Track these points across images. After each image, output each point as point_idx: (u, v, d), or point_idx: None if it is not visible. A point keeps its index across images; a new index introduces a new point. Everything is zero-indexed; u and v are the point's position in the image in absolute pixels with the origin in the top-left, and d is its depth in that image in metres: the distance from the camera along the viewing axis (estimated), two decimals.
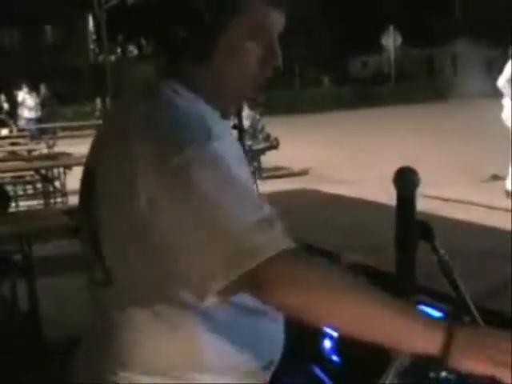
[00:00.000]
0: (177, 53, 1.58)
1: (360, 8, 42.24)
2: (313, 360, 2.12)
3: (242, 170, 1.47)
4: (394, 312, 1.33)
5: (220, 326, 1.53)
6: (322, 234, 6.31)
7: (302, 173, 13.85)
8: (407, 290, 1.97)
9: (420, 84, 37.20)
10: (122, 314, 1.57)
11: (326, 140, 18.90)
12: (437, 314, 2.05)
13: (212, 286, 1.36)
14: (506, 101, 9.79)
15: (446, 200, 9.21)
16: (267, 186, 8.66)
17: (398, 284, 1.97)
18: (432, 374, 1.42)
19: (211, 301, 1.39)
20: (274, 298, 1.34)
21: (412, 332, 1.31)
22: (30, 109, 23.93)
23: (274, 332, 1.66)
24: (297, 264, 1.36)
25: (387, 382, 1.47)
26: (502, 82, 9.83)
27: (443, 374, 1.42)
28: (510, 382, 1.23)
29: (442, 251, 1.86)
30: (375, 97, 35.10)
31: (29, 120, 23.51)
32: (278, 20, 1.60)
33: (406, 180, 1.80)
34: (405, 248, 1.83)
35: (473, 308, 1.86)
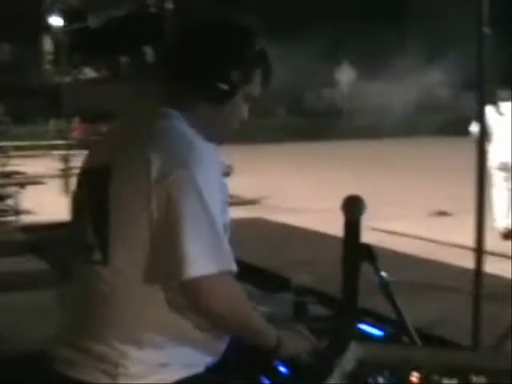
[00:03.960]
0: (192, 90, 2.00)
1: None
2: (262, 372, 2.27)
3: (216, 197, 1.87)
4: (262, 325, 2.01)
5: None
6: (266, 260, 6.43)
7: (253, 202, 13.94)
8: (350, 311, 2.15)
9: (370, 119, 37.71)
10: (114, 289, 1.91)
11: (280, 170, 19.08)
12: (378, 332, 2.23)
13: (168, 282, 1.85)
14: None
15: (391, 233, 9.47)
16: None
17: (342, 306, 2.14)
18: (371, 380, 1.58)
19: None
20: (208, 305, 1.84)
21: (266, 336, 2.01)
22: None
23: None
24: (229, 284, 1.87)
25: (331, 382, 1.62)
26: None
27: (380, 379, 1.58)
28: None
29: (383, 273, 2.05)
30: (330, 129, 35.44)
31: None
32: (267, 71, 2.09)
33: (352, 207, 1.99)
34: (350, 268, 2.02)
35: (411, 328, 2.05)
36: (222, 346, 2.05)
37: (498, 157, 9.16)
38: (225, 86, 1.97)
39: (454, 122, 34.01)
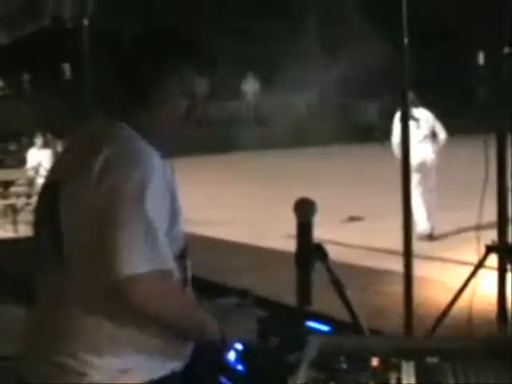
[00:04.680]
0: (126, 102, 2.11)
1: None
2: (219, 371, 2.38)
3: (157, 202, 1.95)
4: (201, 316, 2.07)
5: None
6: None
7: None
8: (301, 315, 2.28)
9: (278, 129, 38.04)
10: (73, 300, 1.99)
11: (186, 183, 19.07)
12: (323, 327, 2.37)
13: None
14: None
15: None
16: None
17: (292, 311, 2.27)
18: (335, 365, 1.70)
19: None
20: (137, 304, 1.91)
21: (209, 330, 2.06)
22: None
23: None
24: (162, 282, 1.94)
25: (300, 375, 1.70)
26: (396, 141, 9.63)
27: (343, 365, 1.70)
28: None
29: (334, 271, 2.19)
30: (234, 141, 35.56)
31: None
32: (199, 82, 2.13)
33: (304, 209, 2.12)
34: (303, 268, 2.14)
35: (362, 323, 2.19)
36: (185, 350, 2.13)
37: (414, 159, 9.57)
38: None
39: (355, 130, 34.77)
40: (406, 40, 3.49)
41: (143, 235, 1.88)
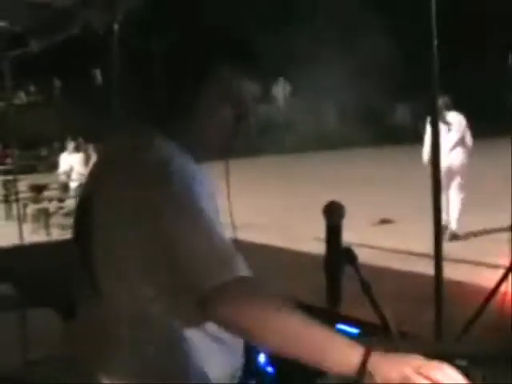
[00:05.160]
0: (164, 111, 1.91)
1: None
2: (250, 373, 2.38)
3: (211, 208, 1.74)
4: (317, 334, 1.59)
5: (198, 341, 1.81)
6: None
7: None
8: (331, 318, 2.28)
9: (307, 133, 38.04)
10: (116, 330, 1.81)
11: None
12: (353, 330, 2.36)
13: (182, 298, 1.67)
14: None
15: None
16: None
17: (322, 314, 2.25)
18: None
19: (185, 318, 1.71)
20: (221, 315, 1.61)
21: (332, 351, 1.57)
22: None
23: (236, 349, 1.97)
24: (242, 291, 1.63)
25: (328, 376, 1.65)
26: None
27: None
28: None
29: (363, 274, 2.19)
30: (264, 145, 35.57)
31: None
32: (249, 86, 1.92)
33: (333, 212, 2.12)
34: (333, 271, 2.14)
35: (393, 328, 2.18)
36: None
37: (444, 163, 9.64)
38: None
39: (388, 132, 34.61)
40: (435, 42, 3.48)
41: (213, 239, 1.66)
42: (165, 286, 1.70)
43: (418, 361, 1.53)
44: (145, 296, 1.75)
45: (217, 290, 1.58)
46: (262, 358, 2.37)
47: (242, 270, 1.65)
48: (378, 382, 1.50)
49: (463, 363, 1.76)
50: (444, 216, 9.88)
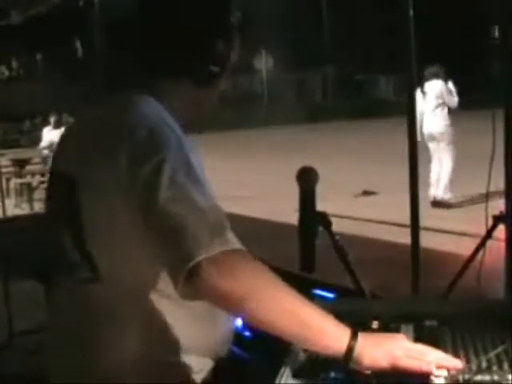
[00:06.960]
0: (174, 72, 1.82)
1: None
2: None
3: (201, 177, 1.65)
4: (312, 314, 1.54)
5: (194, 315, 1.76)
6: None
7: None
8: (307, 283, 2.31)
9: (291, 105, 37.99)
10: (113, 307, 1.74)
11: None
12: (329, 295, 2.40)
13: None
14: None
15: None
16: None
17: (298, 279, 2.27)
18: (322, 375, 1.58)
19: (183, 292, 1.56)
20: (214, 283, 1.49)
21: (322, 332, 1.54)
22: None
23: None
24: (239, 261, 1.54)
25: (281, 381, 1.58)
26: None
27: (332, 374, 1.58)
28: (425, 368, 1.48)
29: (337, 237, 2.22)
30: (248, 117, 35.53)
31: None
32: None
33: (307, 177, 2.15)
34: (307, 234, 2.18)
35: (364, 288, 2.22)
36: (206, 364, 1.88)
37: (426, 130, 10.04)
38: (215, 68, 1.82)
39: (371, 106, 34.64)
40: (411, 12, 3.50)
41: (209, 208, 1.57)
42: (161, 260, 1.59)
43: (404, 342, 1.56)
44: (142, 271, 1.70)
45: (213, 260, 1.50)
46: (238, 322, 2.40)
47: (237, 241, 1.57)
48: (366, 363, 1.51)
49: (433, 323, 1.81)
50: (433, 181, 10.05)
